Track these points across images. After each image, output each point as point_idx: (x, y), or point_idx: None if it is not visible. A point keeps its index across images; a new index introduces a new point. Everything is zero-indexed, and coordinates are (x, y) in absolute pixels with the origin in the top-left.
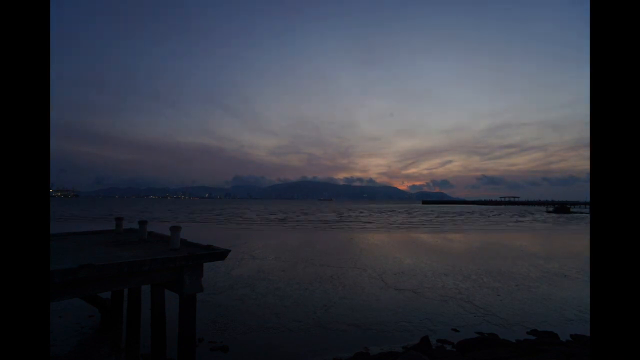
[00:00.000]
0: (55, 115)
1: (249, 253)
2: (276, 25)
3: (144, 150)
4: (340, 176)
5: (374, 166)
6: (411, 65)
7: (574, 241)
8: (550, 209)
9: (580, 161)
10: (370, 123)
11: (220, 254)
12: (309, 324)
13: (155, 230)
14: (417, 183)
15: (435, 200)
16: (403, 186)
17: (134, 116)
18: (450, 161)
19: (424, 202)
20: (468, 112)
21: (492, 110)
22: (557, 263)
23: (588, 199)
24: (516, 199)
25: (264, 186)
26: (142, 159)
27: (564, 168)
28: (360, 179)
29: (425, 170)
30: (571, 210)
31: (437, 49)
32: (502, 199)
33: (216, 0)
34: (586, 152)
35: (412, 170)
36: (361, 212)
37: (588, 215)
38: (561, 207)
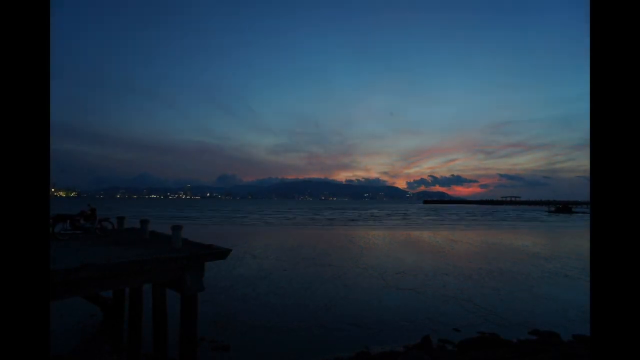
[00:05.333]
0: (55, 115)
1: (250, 252)
2: (274, 22)
3: (144, 149)
4: (342, 175)
5: (375, 165)
6: (413, 61)
7: (575, 241)
8: (552, 208)
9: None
10: (372, 121)
11: (221, 253)
12: (310, 324)
13: (157, 230)
14: (419, 178)
15: (436, 200)
16: (405, 185)
17: (134, 116)
18: (452, 160)
19: (426, 202)
20: (471, 110)
21: (496, 108)
22: (559, 263)
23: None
24: (517, 199)
25: (264, 185)
26: (142, 159)
27: (570, 167)
28: (361, 178)
29: (427, 169)
30: (573, 210)
31: (439, 44)
32: (504, 199)
33: None
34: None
35: (414, 170)
36: (360, 213)
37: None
38: (563, 207)
